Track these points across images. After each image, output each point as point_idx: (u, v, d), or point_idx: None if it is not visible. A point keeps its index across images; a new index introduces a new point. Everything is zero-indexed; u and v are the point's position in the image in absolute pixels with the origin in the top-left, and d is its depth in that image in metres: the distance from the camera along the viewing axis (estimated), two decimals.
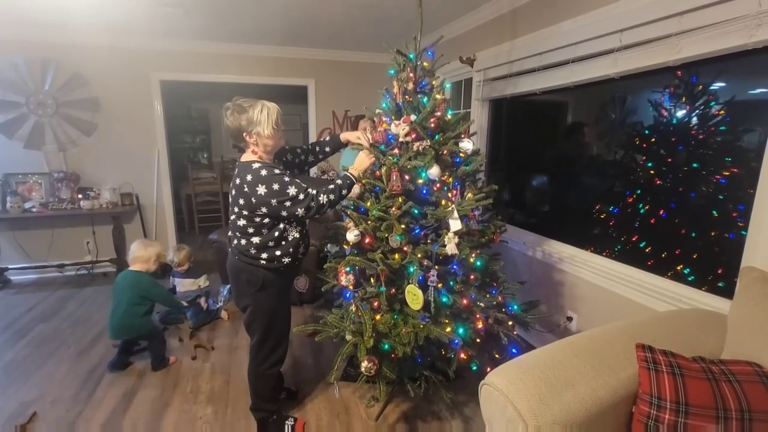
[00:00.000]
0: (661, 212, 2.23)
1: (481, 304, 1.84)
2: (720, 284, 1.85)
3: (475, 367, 1.85)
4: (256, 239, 1.68)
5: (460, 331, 1.74)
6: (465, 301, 1.78)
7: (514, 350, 1.87)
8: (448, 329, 1.73)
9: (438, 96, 1.87)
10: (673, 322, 1.42)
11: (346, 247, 1.93)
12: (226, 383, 2.33)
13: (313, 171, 4.46)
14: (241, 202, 1.62)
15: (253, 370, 1.87)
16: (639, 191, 2.35)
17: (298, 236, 1.75)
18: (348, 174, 1.76)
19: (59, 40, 3.59)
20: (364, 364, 1.70)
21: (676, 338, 1.29)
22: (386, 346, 1.74)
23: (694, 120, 2.09)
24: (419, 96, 1.89)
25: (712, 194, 2.04)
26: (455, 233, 1.71)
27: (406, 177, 1.81)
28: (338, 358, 1.74)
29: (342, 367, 1.73)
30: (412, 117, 1.81)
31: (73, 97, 3.76)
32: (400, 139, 1.82)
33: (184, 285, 3.05)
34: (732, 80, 1.94)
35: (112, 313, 2.37)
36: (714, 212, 2.02)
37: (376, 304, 1.80)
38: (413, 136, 1.79)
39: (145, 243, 2.53)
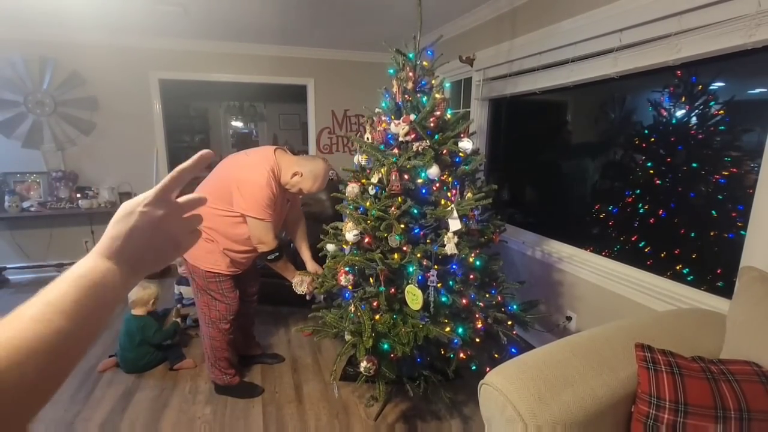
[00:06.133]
0: (661, 212, 2.24)
1: (481, 304, 1.84)
2: (719, 284, 1.85)
3: (474, 367, 1.85)
4: None
5: (460, 330, 1.74)
6: (464, 301, 1.78)
7: (513, 350, 1.87)
8: (448, 329, 1.73)
9: (437, 95, 1.86)
10: (672, 321, 1.43)
11: (345, 246, 1.93)
12: None
13: None
14: None
15: None
16: (638, 191, 2.35)
17: None
18: None
19: (57, 38, 3.58)
20: (363, 364, 1.70)
21: (675, 338, 1.29)
22: (385, 346, 1.74)
23: (694, 120, 2.09)
24: (419, 95, 1.89)
25: (712, 194, 2.04)
26: (454, 233, 1.71)
27: (406, 177, 1.81)
28: (337, 358, 1.73)
29: (341, 367, 1.73)
30: (412, 116, 1.80)
31: (72, 95, 3.74)
32: (400, 139, 1.81)
33: (189, 291, 3.07)
34: (731, 80, 1.94)
35: (122, 352, 2.40)
36: (713, 212, 2.02)
37: (375, 303, 1.80)
38: (413, 135, 1.79)
39: (142, 284, 2.49)
